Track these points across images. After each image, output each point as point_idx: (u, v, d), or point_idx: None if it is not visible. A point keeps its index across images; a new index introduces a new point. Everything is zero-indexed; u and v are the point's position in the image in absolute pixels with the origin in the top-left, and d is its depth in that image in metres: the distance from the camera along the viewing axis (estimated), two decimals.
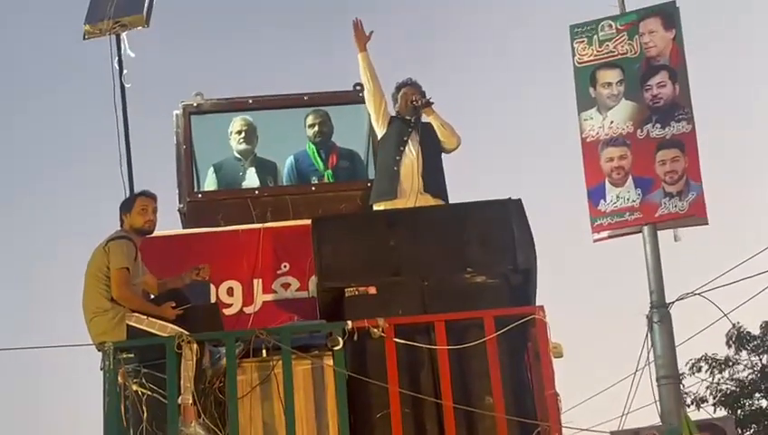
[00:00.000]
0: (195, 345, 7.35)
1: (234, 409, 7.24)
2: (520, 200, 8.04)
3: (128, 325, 7.51)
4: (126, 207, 7.93)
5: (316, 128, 9.42)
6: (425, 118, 9.03)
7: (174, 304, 7.56)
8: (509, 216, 7.96)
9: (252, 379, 7.46)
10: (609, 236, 11.34)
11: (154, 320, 7.50)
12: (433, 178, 8.91)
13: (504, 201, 8.04)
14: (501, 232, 7.91)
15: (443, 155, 9.04)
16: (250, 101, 9.49)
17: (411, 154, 8.87)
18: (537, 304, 7.76)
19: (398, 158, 8.85)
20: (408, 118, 9.01)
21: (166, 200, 8.31)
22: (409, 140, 8.91)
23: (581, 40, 11.64)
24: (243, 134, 9.42)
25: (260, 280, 8.69)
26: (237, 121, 9.45)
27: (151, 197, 7.98)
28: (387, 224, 8.06)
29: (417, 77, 9.19)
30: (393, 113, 9.07)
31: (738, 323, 19.74)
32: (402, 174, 8.82)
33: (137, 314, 7.51)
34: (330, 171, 9.35)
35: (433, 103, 9.00)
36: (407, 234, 7.94)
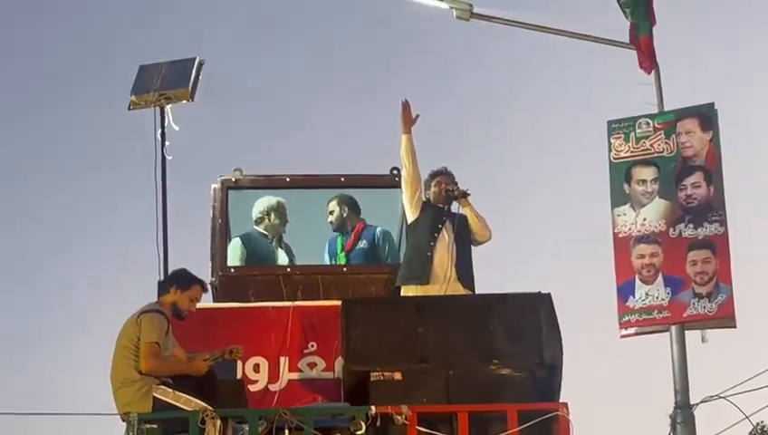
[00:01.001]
0: (218, 421, 7.41)
1: None
2: (549, 295, 8.10)
3: (154, 398, 7.57)
4: (181, 284, 7.98)
5: (331, 216, 9.57)
6: (457, 207, 9.12)
7: (206, 357, 7.68)
8: (538, 309, 8.01)
9: None
10: (637, 334, 11.27)
11: (179, 394, 7.56)
12: (465, 268, 9.00)
13: (534, 295, 8.09)
14: (529, 325, 7.95)
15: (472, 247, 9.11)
16: (287, 179, 9.59)
17: (445, 241, 8.94)
18: (561, 399, 7.77)
19: (432, 243, 8.92)
20: (441, 206, 9.09)
21: (197, 272, 8.34)
22: (443, 228, 9.00)
23: (618, 136, 11.65)
24: (274, 214, 9.51)
25: (287, 358, 8.74)
26: (269, 201, 9.55)
27: (206, 291, 8.18)
28: (416, 310, 8.14)
29: (448, 162, 9.32)
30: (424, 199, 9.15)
31: (762, 422, 19.48)
32: (435, 260, 8.89)
33: (163, 387, 7.58)
34: (344, 255, 9.45)
35: (470, 195, 9.09)
36: (435, 321, 7.99)
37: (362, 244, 9.52)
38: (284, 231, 9.60)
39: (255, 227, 9.54)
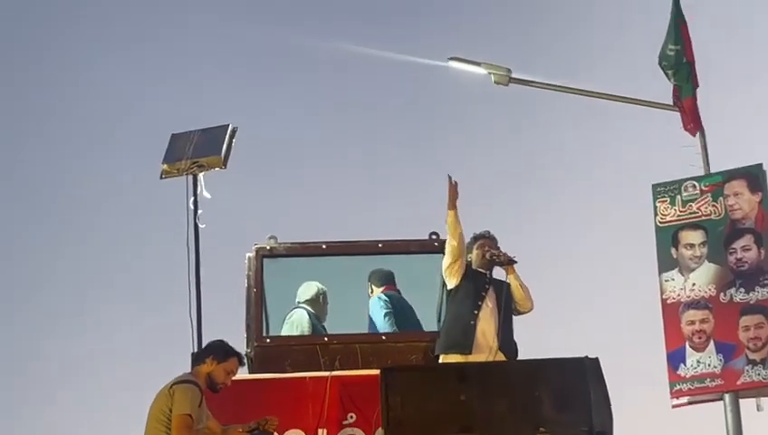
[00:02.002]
0: None
1: None
2: (597, 359, 7.79)
3: None
4: (217, 355, 7.72)
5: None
6: (496, 272, 8.87)
7: (240, 430, 7.46)
8: (585, 375, 7.71)
9: None
10: (689, 403, 10.95)
11: None
12: (508, 338, 8.76)
13: (581, 359, 7.78)
14: (577, 392, 7.63)
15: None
16: (323, 247, 9.35)
17: (488, 310, 8.71)
18: None
19: (476, 312, 8.67)
20: (482, 271, 8.84)
21: (232, 343, 8.08)
22: (487, 296, 8.75)
23: (664, 199, 11.43)
24: (323, 299, 9.36)
25: (325, 430, 8.39)
26: (318, 285, 9.37)
27: (243, 365, 7.94)
28: (458, 377, 7.81)
29: (490, 227, 9.09)
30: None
31: None
32: (479, 329, 8.63)
33: None
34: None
35: (517, 262, 8.83)
36: (478, 388, 7.69)
37: (411, 312, 9.33)
38: (325, 319, 9.42)
39: (305, 307, 9.32)
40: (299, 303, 9.32)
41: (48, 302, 18.87)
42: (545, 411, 7.59)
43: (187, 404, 7.35)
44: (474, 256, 8.90)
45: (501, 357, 8.58)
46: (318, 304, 9.34)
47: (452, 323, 8.75)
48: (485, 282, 8.83)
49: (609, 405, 7.68)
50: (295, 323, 9.23)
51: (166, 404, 7.41)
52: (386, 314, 9.20)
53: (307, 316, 9.22)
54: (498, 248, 8.91)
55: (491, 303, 8.74)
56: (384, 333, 9.07)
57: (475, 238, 8.96)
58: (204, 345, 8.12)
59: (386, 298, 9.24)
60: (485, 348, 8.58)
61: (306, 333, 9.15)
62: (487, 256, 8.85)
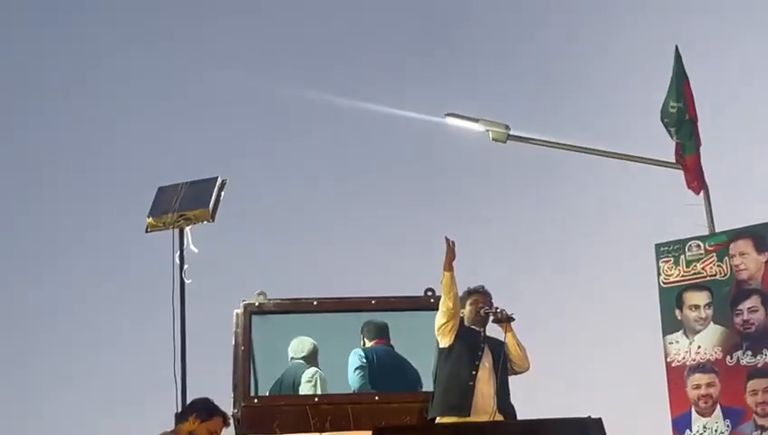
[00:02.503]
0: None
1: None
2: (600, 420, 7.46)
3: None
4: (201, 414, 7.31)
5: None
6: (490, 329, 8.54)
7: None
8: None
9: None
10: None
11: None
12: (506, 399, 8.39)
13: (583, 420, 7.45)
14: None
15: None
16: (315, 303, 9.01)
17: (486, 370, 8.37)
18: None
19: (474, 373, 8.32)
20: (476, 329, 8.51)
21: (218, 402, 7.72)
22: (483, 355, 8.40)
23: (668, 259, 11.10)
24: (317, 355, 9.01)
25: None
26: (311, 340, 9.02)
27: (227, 426, 7.50)
28: None
29: (488, 287, 8.74)
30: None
31: None
32: (477, 390, 8.26)
33: None
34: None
35: (514, 320, 8.50)
36: None
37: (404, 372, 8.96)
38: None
39: (304, 362, 8.96)
40: (294, 359, 8.94)
41: (33, 361, 18.42)
42: None
43: None
44: (467, 311, 8.57)
45: (500, 419, 8.19)
46: (315, 361, 8.97)
47: (449, 384, 8.38)
48: (480, 340, 8.49)
49: None
50: (316, 381, 8.83)
51: None
52: (356, 369, 8.84)
53: (321, 375, 8.87)
54: (491, 304, 8.59)
55: (488, 362, 8.41)
56: (377, 393, 8.69)
57: (469, 293, 8.63)
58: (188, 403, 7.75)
59: (361, 353, 8.90)
60: (484, 410, 8.22)
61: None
62: (482, 312, 8.53)
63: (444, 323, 8.40)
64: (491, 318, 8.55)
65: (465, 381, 8.31)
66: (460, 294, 8.49)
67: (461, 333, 8.47)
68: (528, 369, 8.60)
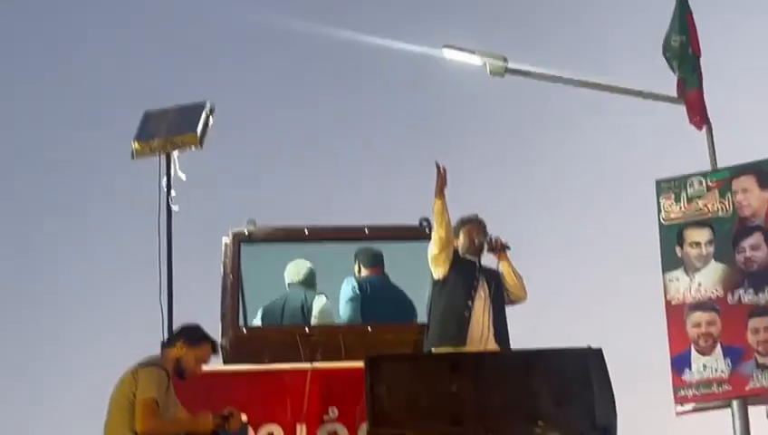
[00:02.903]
0: None
1: None
2: (600, 350, 7.21)
3: None
4: (189, 339, 7.06)
5: None
6: (486, 259, 8.30)
7: (211, 415, 6.77)
8: (588, 367, 7.12)
9: None
10: (695, 410, 10.37)
11: None
12: (501, 329, 8.15)
13: (583, 350, 7.20)
14: (577, 384, 7.05)
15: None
16: (306, 232, 8.73)
17: (481, 300, 8.11)
18: None
19: (469, 303, 8.06)
20: (471, 259, 8.25)
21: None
22: (479, 285, 8.14)
23: (669, 196, 10.89)
24: (312, 283, 8.76)
25: (304, 426, 7.80)
26: (303, 267, 8.75)
27: (216, 353, 7.30)
28: (450, 367, 7.19)
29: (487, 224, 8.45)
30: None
31: None
32: (473, 321, 8.02)
33: None
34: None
35: (510, 249, 8.23)
36: (471, 380, 7.09)
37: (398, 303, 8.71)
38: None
39: (304, 286, 8.70)
40: (292, 284, 8.69)
41: (10, 284, 18.13)
42: (543, 405, 7.01)
43: (152, 388, 6.70)
44: (460, 241, 8.29)
45: (494, 348, 7.97)
46: (314, 284, 8.73)
47: (445, 315, 8.11)
48: (476, 270, 8.22)
49: (614, 399, 7.10)
50: (326, 311, 8.61)
51: (129, 389, 6.75)
52: (348, 300, 8.60)
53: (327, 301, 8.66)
54: (486, 234, 8.31)
55: (483, 293, 8.14)
56: (370, 324, 8.43)
57: (462, 222, 8.35)
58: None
59: (354, 283, 8.64)
60: (480, 340, 7.98)
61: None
62: (476, 242, 8.25)
63: (437, 254, 8.14)
64: (485, 248, 8.30)
65: (460, 311, 8.05)
66: (453, 223, 8.23)
67: (455, 263, 8.20)
68: (525, 299, 8.34)
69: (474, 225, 8.34)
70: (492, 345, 8.00)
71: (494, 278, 8.26)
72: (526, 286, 8.35)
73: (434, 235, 8.18)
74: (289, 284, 8.72)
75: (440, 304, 8.19)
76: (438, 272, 8.18)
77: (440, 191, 8.15)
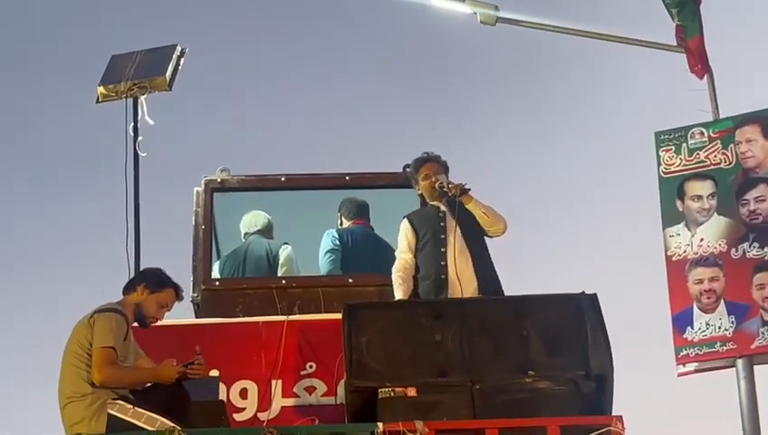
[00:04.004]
0: None
1: None
2: (595, 295, 6.76)
3: (109, 415, 6.15)
4: (151, 284, 6.63)
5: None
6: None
7: (175, 362, 6.33)
8: (582, 312, 6.68)
9: None
10: (697, 370, 9.91)
11: (141, 411, 6.15)
12: (488, 277, 7.52)
13: (576, 296, 6.76)
14: (571, 331, 6.63)
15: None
16: (282, 179, 8.29)
17: (456, 250, 7.43)
18: None
19: (442, 263, 7.46)
20: (435, 205, 7.64)
21: None
22: (447, 235, 7.50)
23: (668, 148, 10.44)
24: (269, 234, 8.37)
25: (279, 381, 7.40)
26: (260, 217, 8.38)
27: (179, 299, 6.81)
28: (433, 315, 6.74)
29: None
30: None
31: None
32: (451, 280, 7.40)
33: (121, 403, 6.19)
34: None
35: (470, 190, 7.61)
36: (456, 328, 6.64)
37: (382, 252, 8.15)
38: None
39: (261, 236, 8.29)
40: (248, 233, 8.27)
41: None
42: (534, 353, 6.59)
43: (109, 335, 6.25)
44: (422, 187, 7.68)
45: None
46: (271, 235, 8.34)
47: (422, 282, 7.56)
48: (441, 219, 7.58)
49: (609, 346, 6.61)
50: (293, 261, 8.21)
51: (85, 336, 6.31)
52: (327, 252, 8.15)
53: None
54: (445, 172, 7.68)
55: (456, 242, 7.45)
56: (351, 276, 7.96)
57: (416, 167, 7.72)
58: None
59: (335, 234, 8.21)
60: (465, 287, 7.40)
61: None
62: (437, 186, 7.58)
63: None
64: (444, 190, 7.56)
65: (436, 275, 7.45)
66: (409, 169, 7.72)
67: (417, 223, 7.62)
68: (505, 229, 7.62)
69: (430, 164, 7.70)
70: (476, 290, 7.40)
71: (467, 217, 7.54)
72: (500, 216, 7.63)
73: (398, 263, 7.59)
74: (245, 233, 8.34)
75: (419, 263, 7.66)
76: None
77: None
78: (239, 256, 8.16)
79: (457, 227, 7.50)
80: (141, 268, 7.59)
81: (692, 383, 10.08)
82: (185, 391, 6.42)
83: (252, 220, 8.32)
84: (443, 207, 7.61)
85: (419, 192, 7.74)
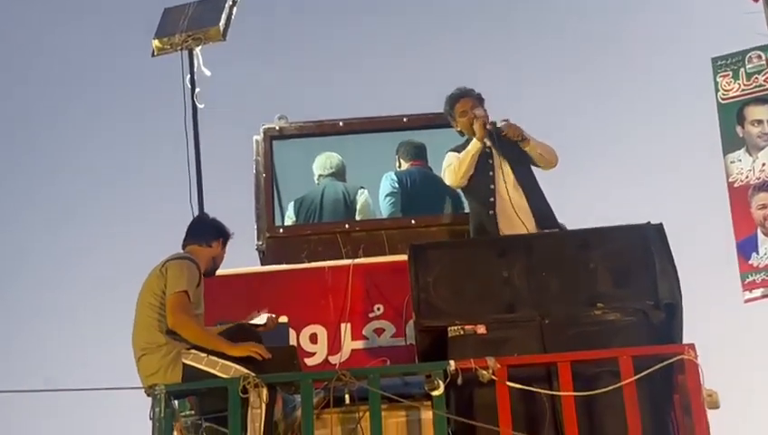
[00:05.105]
0: (264, 390, 6.02)
1: None
2: (661, 225, 6.68)
3: (184, 365, 6.18)
4: (225, 238, 6.72)
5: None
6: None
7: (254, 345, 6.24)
8: (648, 243, 6.61)
9: (333, 433, 6.19)
10: (764, 295, 9.85)
11: (215, 359, 6.16)
12: (544, 210, 7.47)
13: (643, 226, 6.69)
14: (638, 262, 6.57)
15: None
16: (341, 124, 8.31)
17: (506, 190, 7.39)
18: None
19: (491, 199, 7.43)
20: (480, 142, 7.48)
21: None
22: (496, 174, 7.45)
23: (726, 73, 10.33)
24: (343, 175, 8.36)
25: (348, 325, 7.43)
26: (333, 158, 8.35)
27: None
28: (499, 253, 6.72)
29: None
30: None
31: None
32: (509, 216, 7.38)
33: (195, 352, 6.20)
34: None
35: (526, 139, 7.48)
36: (523, 264, 6.62)
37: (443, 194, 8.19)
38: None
39: (335, 179, 8.31)
40: (322, 176, 8.30)
41: (32, 192, 17.74)
42: (602, 286, 6.53)
43: (183, 280, 6.27)
44: (460, 124, 7.60)
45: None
46: (344, 177, 8.35)
47: (473, 222, 7.54)
48: (488, 156, 7.49)
49: (677, 276, 6.55)
50: (370, 206, 8.24)
51: (158, 286, 6.33)
52: (387, 195, 8.14)
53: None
54: (480, 107, 7.55)
55: (506, 177, 7.41)
56: (413, 217, 7.97)
57: (451, 104, 7.62)
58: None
59: (393, 177, 8.19)
60: (521, 224, 7.34)
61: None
62: (476, 117, 7.42)
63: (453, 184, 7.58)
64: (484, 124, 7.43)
65: (484, 212, 7.44)
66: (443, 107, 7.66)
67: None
68: (557, 162, 7.62)
69: (465, 100, 7.62)
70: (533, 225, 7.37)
71: (510, 149, 7.49)
72: (553, 151, 7.60)
73: (456, 168, 7.49)
74: (319, 175, 8.32)
75: (469, 207, 7.66)
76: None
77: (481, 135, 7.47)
78: (315, 201, 8.17)
79: (508, 163, 7.48)
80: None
81: (760, 309, 10.00)
82: (258, 336, 6.47)
83: (326, 162, 8.31)
84: (488, 143, 7.52)
85: (458, 129, 7.70)
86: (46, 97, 17.99)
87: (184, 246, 6.67)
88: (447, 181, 7.59)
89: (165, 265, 6.39)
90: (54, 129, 17.72)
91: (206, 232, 6.76)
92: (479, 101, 7.64)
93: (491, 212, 7.42)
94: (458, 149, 7.58)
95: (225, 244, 6.73)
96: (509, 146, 7.51)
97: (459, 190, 7.83)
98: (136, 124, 16.52)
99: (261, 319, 6.64)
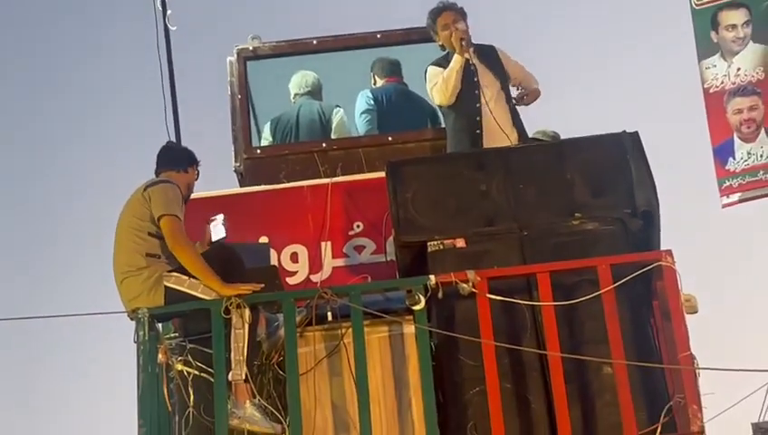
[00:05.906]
0: (246, 310, 6.03)
1: (295, 387, 5.95)
2: (637, 133, 6.70)
3: (166, 287, 6.18)
4: (182, 163, 6.62)
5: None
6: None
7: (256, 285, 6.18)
8: (624, 151, 6.63)
9: (316, 350, 6.20)
10: (741, 200, 9.90)
11: (196, 281, 6.14)
12: (523, 129, 7.57)
13: (618, 135, 6.71)
14: (614, 170, 6.60)
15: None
16: (314, 42, 8.27)
17: (491, 106, 7.41)
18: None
19: (477, 118, 7.44)
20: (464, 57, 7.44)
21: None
22: (480, 90, 7.46)
23: None
24: (307, 96, 8.27)
25: (329, 243, 7.47)
26: (309, 76, 8.29)
27: None
28: (476, 166, 6.73)
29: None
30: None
31: None
32: (493, 131, 7.41)
33: (176, 275, 6.18)
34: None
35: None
36: (500, 176, 6.63)
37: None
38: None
39: (311, 97, 8.25)
40: (298, 94, 8.25)
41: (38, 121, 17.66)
42: (580, 195, 6.56)
43: (173, 204, 6.26)
44: (442, 38, 7.58)
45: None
46: (320, 96, 8.29)
47: (456, 133, 7.54)
48: (474, 74, 7.46)
49: (654, 183, 6.59)
50: (346, 124, 8.20)
51: (140, 210, 6.28)
52: (363, 113, 8.15)
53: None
54: (463, 21, 7.54)
55: (491, 92, 7.46)
56: (390, 134, 7.97)
57: (433, 18, 7.59)
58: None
59: (369, 94, 8.18)
60: (502, 138, 7.38)
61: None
62: (459, 32, 7.43)
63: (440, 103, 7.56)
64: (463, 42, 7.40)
65: (471, 128, 7.46)
66: (425, 22, 7.62)
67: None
68: (538, 92, 7.73)
69: (447, 13, 7.58)
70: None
71: (491, 62, 7.54)
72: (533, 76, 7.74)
73: (442, 86, 7.47)
74: (295, 94, 8.28)
75: (450, 124, 7.64)
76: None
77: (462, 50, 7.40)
78: (291, 120, 8.14)
79: (489, 77, 7.51)
80: (182, 142, 7.68)
81: (736, 214, 10.07)
82: (238, 257, 6.47)
83: (301, 81, 8.26)
84: (471, 60, 7.49)
85: (440, 43, 7.67)
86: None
87: (158, 173, 6.60)
88: (437, 101, 7.59)
89: (147, 189, 6.34)
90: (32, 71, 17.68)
91: (181, 158, 6.72)
92: (461, 15, 7.60)
93: (477, 131, 7.45)
94: (440, 63, 7.56)
95: (197, 169, 6.71)
96: (491, 63, 7.53)
97: (436, 105, 7.83)
98: (109, 48, 16.42)
99: (220, 231, 6.59)
